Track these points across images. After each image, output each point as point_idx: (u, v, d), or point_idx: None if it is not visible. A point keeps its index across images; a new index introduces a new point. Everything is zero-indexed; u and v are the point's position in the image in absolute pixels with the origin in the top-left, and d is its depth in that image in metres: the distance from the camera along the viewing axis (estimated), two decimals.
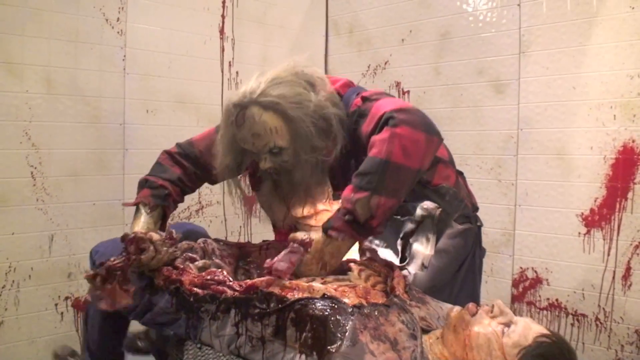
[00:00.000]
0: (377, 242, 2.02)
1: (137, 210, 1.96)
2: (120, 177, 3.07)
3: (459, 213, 2.02)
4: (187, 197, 3.24)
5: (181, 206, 3.26)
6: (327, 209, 2.28)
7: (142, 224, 1.92)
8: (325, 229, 1.66)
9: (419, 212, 1.93)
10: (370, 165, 1.61)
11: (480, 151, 3.25)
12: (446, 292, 1.96)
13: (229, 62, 3.48)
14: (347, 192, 1.64)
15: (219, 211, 3.50)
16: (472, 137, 3.27)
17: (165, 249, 1.77)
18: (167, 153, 2.10)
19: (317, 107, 1.77)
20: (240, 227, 3.61)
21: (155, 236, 1.77)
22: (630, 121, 2.78)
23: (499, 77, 3.22)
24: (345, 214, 1.62)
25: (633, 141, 2.78)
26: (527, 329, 1.36)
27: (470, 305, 1.45)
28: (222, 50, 3.46)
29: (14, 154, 2.73)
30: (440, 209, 1.94)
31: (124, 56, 3.04)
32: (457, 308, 1.48)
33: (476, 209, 2.15)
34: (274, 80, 1.77)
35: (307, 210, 2.09)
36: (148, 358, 2.32)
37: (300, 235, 1.65)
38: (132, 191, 3.03)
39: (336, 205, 1.78)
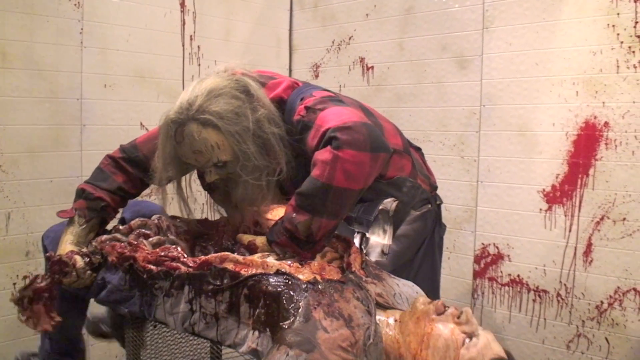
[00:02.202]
0: None
1: (71, 220, 1.90)
2: (78, 153, 3.00)
3: (417, 199, 2.01)
4: None
5: None
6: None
7: (71, 237, 1.87)
8: (270, 241, 1.67)
9: (375, 212, 1.90)
10: (312, 187, 1.58)
11: (444, 127, 3.25)
12: (405, 270, 1.96)
13: (190, 36, 3.42)
14: (288, 209, 1.63)
15: None
16: (435, 113, 3.26)
17: (89, 273, 1.78)
18: (110, 158, 2.03)
19: (256, 126, 1.73)
20: (203, 204, 3.57)
21: (78, 261, 1.77)
22: (593, 97, 2.79)
23: (462, 52, 3.20)
24: (286, 232, 1.61)
25: (595, 117, 2.79)
26: (487, 347, 1.36)
27: (440, 303, 1.44)
28: (183, 23, 3.39)
29: None
30: (396, 202, 1.92)
31: (81, 29, 2.96)
32: (424, 299, 1.47)
33: (435, 188, 2.14)
34: (212, 93, 1.71)
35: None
36: (112, 343, 2.30)
37: (246, 238, 1.71)
38: (90, 167, 2.96)
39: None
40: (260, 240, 1.73)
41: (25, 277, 2.86)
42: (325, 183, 1.56)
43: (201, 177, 2.01)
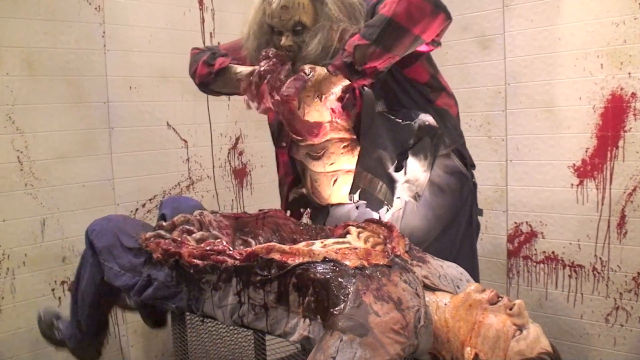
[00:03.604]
0: (361, 201, 2.03)
1: (228, 70, 2.09)
2: (108, 156, 3.02)
3: (455, 146, 2.07)
4: (177, 173, 3.26)
5: (171, 182, 3.27)
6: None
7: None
8: (327, 63, 1.80)
9: (420, 119, 1.95)
10: (376, 20, 1.75)
11: (469, 108, 3.24)
12: (445, 252, 1.96)
13: (210, 33, 3.43)
14: (354, 37, 1.77)
15: (210, 186, 3.47)
16: (459, 94, 3.19)
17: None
18: (196, 48, 2.29)
19: None
20: (232, 200, 3.59)
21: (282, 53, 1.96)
22: (618, 69, 2.77)
23: (483, 32, 3.19)
24: (345, 56, 1.75)
25: (621, 89, 2.77)
26: (536, 341, 1.38)
27: (494, 293, 1.46)
28: (203, 21, 3.40)
29: None
30: (440, 130, 1.97)
31: (104, 32, 2.98)
32: (477, 286, 1.49)
33: (473, 166, 2.16)
34: None
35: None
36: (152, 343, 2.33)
37: (307, 67, 1.85)
38: (120, 170, 3.04)
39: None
40: (319, 68, 1.85)
41: (63, 282, 2.89)
42: (387, 17, 1.72)
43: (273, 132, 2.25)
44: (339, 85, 1.87)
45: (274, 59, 1.91)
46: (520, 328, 1.39)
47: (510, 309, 1.41)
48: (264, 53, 1.95)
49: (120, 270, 1.83)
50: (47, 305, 2.36)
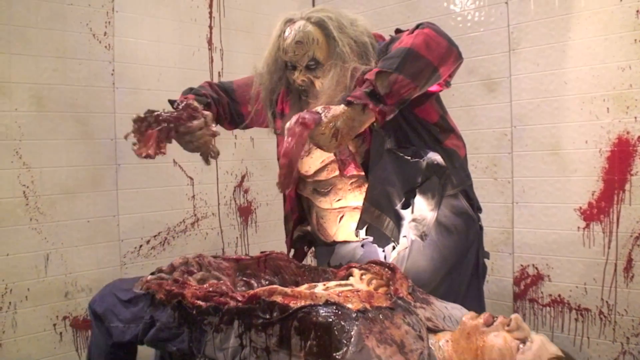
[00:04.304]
0: (370, 238, 2.02)
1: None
2: (114, 192, 3.04)
3: (463, 187, 2.07)
4: (182, 210, 3.27)
5: (176, 219, 3.27)
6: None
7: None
8: (345, 97, 1.75)
9: (429, 158, 1.95)
10: (395, 52, 1.76)
11: (475, 150, 3.24)
12: (452, 294, 1.95)
13: (219, 73, 3.47)
14: (371, 71, 1.75)
15: (215, 223, 3.48)
16: (466, 136, 3.19)
17: (214, 127, 1.94)
18: (208, 83, 2.30)
19: (356, 34, 1.96)
20: (237, 238, 3.59)
21: (208, 113, 1.95)
22: (624, 113, 2.78)
23: (490, 75, 3.21)
24: (366, 86, 1.72)
25: (627, 133, 2.77)
26: (542, 348, 1.36)
27: (487, 315, 1.44)
28: (211, 60, 3.45)
29: (5, 173, 2.70)
30: (448, 170, 1.98)
31: (113, 70, 3.02)
32: (471, 314, 1.47)
33: (480, 209, 2.16)
34: (323, 11, 1.98)
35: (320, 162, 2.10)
36: None
37: (320, 107, 1.76)
38: (126, 206, 3.05)
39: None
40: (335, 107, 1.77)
41: (65, 318, 2.88)
42: (407, 47, 1.74)
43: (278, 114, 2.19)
44: (358, 125, 1.77)
45: (184, 112, 1.88)
46: (524, 340, 1.37)
47: (508, 325, 1.39)
48: (179, 100, 1.96)
49: (125, 325, 1.81)
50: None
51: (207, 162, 1.98)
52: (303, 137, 1.69)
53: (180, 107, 1.88)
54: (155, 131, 1.81)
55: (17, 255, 2.73)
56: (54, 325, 2.87)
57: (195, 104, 1.93)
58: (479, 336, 1.40)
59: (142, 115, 1.82)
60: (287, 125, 1.72)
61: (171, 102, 2.02)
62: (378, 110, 1.70)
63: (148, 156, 1.81)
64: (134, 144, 1.82)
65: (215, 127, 1.97)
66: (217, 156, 1.98)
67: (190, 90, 2.16)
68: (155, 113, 1.82)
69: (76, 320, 2.93)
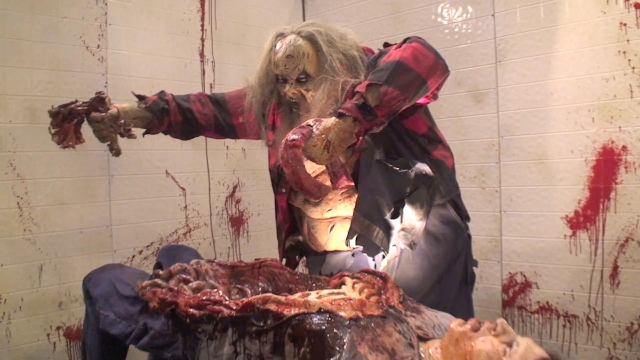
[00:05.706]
0: (360, 248, 2.04)
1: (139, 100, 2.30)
2: (106, 203, 3.06)
3: (451, 197, 2.10)
4: (174, 221, 3.28)
5: (169, 230, 3.29)
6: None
7: (128, 106, 2.26)
8: (336, 109, 1.79)
9: (417, 168, 1.98)
10: (385, 65, 1.80)
11: (463, 160, 3.29)
12: (441, 302, 1.98)
13: (210, 84, 3.50)
14: (362, 84, 1.80)
15: (207, 233, 3.50)
16: (454, 146, 3.23)
17: (111, 129, 2.14)
18: (200, 93, 2.45)
19: (345, 48, 2.01)
20: (229, 248, 3.61)
21: (113, 111, 2.14)
22: (609, 123, 2.83)
23: (477, 86, 3.26)
24: (356, 98, 1.75)
25: (612, 142, 2.82)
26: (528, 351, 1.38)
27: (474, 320, 1.47)
28: (203, 73, 3.48)
29: None
30: (436, 180, 2.01)
31: (106, 82, 3.04)
32: (459, 321, 1.50)
33: (468, 218, 2.19)
34: (314, 25, 2.04)
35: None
36: None
37: (311, 120, 1.80)
38: (118, 217, 3.07)
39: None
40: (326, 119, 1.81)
41: (59, 328, 2.89)
42: (395, 60, 1.79)
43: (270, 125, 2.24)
44: (349, 137, 1.80)
45: (93, 103, 2.10)
46: (510, 344, 1.39)
47: (494, 330, 1.42)
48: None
49: (117, 319, 1.83)
50: None
51: (112, 154, 2.19)
52: (298, 157, 1.73)
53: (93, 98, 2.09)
54: (72, 125, 2.05)
55: (11, 266, 2.74)
56: (48, 335, 2.87)
57: (106, 99, 2.13)
58: (467, 342, 1.42)
59: (56, 109, 2.04)
60: (279, 154, 1.77)
61: (138, 96, 2.29)
62: (366, 121, 1.75)
63: (69, 146, 2.07)
64: (53, 135, 2.07)
65: (128, 126, 2.18)
66: (116, 155, 2.18)
67: (161, 92, 2.35)
68: (71, 106, 2.04)
69: (70, 330, 2.94)
